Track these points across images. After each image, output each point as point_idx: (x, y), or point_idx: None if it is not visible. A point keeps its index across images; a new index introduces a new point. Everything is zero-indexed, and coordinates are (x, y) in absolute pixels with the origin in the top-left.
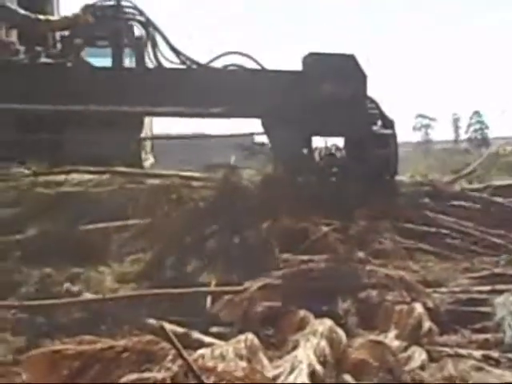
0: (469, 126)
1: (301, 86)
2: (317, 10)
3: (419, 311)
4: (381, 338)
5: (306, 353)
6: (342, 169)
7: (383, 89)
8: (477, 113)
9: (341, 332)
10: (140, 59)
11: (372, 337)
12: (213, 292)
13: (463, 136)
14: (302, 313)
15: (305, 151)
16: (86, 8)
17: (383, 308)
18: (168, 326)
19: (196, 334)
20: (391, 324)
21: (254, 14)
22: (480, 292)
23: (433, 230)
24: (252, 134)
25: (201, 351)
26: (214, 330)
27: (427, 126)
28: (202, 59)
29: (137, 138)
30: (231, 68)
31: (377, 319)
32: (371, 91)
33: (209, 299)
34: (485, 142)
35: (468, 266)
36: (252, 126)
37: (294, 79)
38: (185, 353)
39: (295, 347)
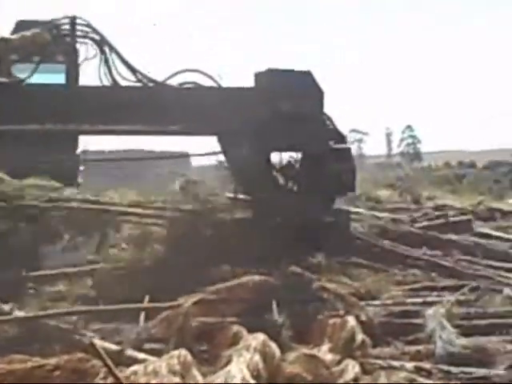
0: (401, 140)
1: (257, 102)
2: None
3: (352, 324)
4: (314, 351)
5: (239, 367)
6: (300, 183)
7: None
8: (409, 127)
9: (274, 346)
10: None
11: (306, 350)
12: (147, 308)
13: (396, 150)
14: (236, 328)
15: (263, 167)
16: (44, 26)
17: (317, 321)
18: (99, 343)
19: (129, 351)
20: (325, 337)
21: (254, 14)
22: (413, 304)
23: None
24: (188, 156)
25: (134, 368)
26: (148, 346)
27: (360, 141)
28: (162, 76)
29: (73, 155)
30: (187, 86)
31: (311, 333)
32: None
33: (142, 316)
34: (417, 156)
35: (400, 278)
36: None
37: (250, 96)
38: (116, 370)
39: (228, 362)
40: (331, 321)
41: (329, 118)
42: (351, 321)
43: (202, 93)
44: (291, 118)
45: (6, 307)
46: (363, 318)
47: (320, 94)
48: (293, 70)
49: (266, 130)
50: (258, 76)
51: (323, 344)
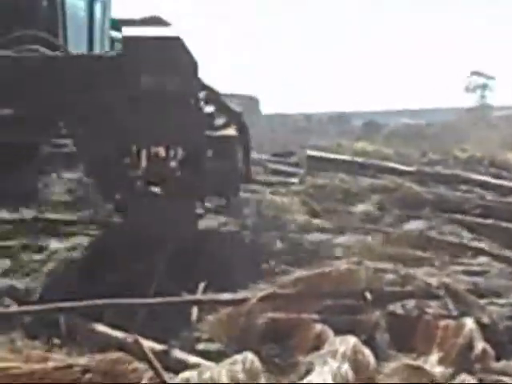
0: None
1: (114, 77)
2: None
3: (470, 328)
4: (419, 361)
5: (323, 378)
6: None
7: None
8: None
9: (368, 353)
10: None
11: (408, 360)
12: (201, 302)
13: None
14: (319, 327)
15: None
16: None
17: (423, 323)
18: (144, 342)
19: (178, 352)
20: (433, 344)
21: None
22: None
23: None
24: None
25: (185, 374)
26: (201, 347)
27: (484, 87)
28: None
29: None
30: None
31: (414, 337)
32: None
33: (195, 310)
34: None
35: None
36: None
37: (106, 69)
38: (164, 375)
39: (309, 371)
40: (442, 323)
41: (211, 93)
42: (469, 324)
43: (39, 63)
44: (153, 100)
45: None
46: (485, 320)
47: (192, 65)
48: (155, 37)
49: (118, 117)
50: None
51: (431, 353)
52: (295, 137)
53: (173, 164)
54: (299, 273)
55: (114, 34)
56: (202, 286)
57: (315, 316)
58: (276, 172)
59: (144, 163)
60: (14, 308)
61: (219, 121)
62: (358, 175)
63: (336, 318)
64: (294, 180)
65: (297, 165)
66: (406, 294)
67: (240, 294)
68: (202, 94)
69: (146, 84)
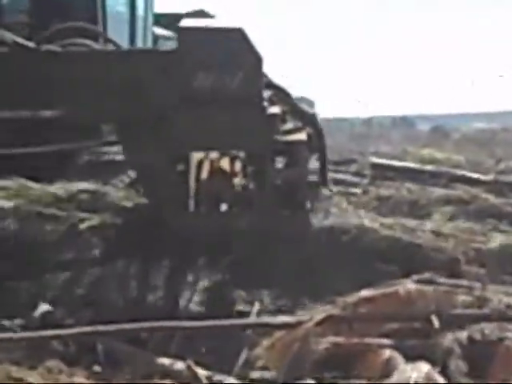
0: None
1: (170, 75)
2: None
3: None
4: None
5: None
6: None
7: None
8: None
9: (442, 380)
10: None
11: None
12: (252, 326)
13: None
14: (387, 353)
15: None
16: None
17: (502, 348)
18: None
19: (231, 380)
20: None
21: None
22: None
23: None
24: None
25: None
26: (255, 375)
27: None
28: None
29: None
30: (70, 47)
31: (493, 365)
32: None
33: (248, 334)
34: None
35: None
36: None
37: (162, 65)
38: None
39: None
40: None
41: (281, 92)
42: None
43: (89, 58)
44: (210, 100)
45: None
46: None
47: (257, 61)
48: (213, 28)
49: (174, 120)
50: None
51: None
52: (354, 143)
53: (237, 179)
54: (363, 292)
55: (158, 30)
56: (255, 307)
57: (382, 340)
58: (335, 182)
59: (205, 175)
60: (48, 331)
61: (289, 125)
62: (426, 185)
63: (405, 342)
64: (356, 190)
65: (358, 174)
66: (482, 316)
67: (295, 317)
68: (266, 93)
69: (203, 82)
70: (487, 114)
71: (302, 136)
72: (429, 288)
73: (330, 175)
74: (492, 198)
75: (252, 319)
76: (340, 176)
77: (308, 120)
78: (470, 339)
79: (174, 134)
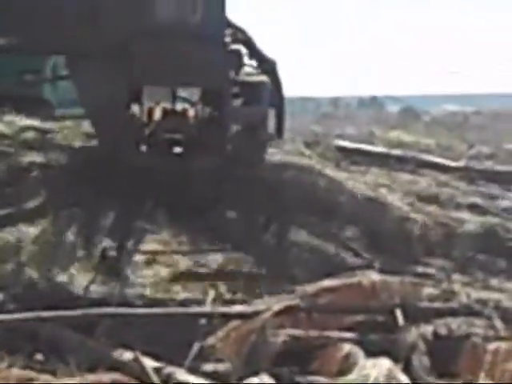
0: None
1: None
2: None
3: None
4: None
5: None
6: (189, 140)
7: None
8: None
9: (404, 378)
10: None
11: None
12: (208, 315)
13: None
14: (347, 347)
15: (132, 109)
16: None
17: (468, 345)
18: (145, 360)
19: (182, 373)
20: (480, 370)
21: None
22: None
23: None
24: None
25: None
26: (209, 367)
27: None
28: None
29: None
30: None
31: (459, 362)
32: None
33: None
34: None
35: None
36: None
37: None
38: None
39: None
40: (491, 346)
41: (240, 33)
42: None
43: None
44: (171, 33)
45: None
46: None
47: None
48: None
49: (132, 53)
50: None
51: (478, 379)
52: (319, 124)
53: (192, 120)
54: (324, 282)
55: None
56: (210, 295)
57: (343, 334)
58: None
59: (158, 117)
60: None
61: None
62: (394, 170)
63: (367, 336)
64: None
65: (323, 156)
66: (448, 310)
67: (253, 307)
68: (229, 32)
69: (162, 16)
70: (460, 96)
71: (262, 78)
72: (394, 279)
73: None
74: (463, 185)
75: (207, 308)
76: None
77: (267, 66)
78: (436, 334)
79: (131, 68)
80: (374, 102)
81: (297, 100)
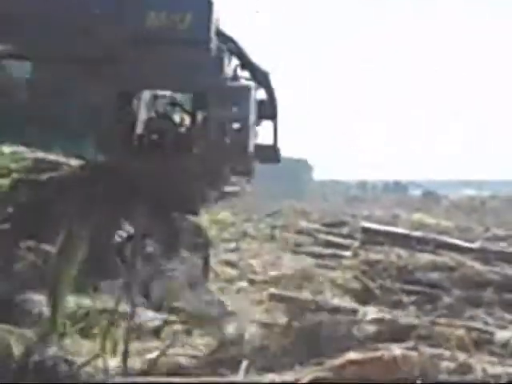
0: None
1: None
2: None
3: None
4: None
5: None
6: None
7: None
8: None
9: None
10: None
11: None
12: None
13: None
14: None
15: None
16: None
17: None
18: None
19: None
20: None
21: None
22: None
23: None
24: None
25: None
26: None
27: None
28: None
29: None
30: None
31: None
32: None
33: None
34: None
35: None
36: None
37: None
38: None
39: None
40: None
41: (230, 41)
42: None
43: None
44: (159, 40)
45: None
46: None
47: (207, 4)
48: None
49: (122, 58)
50: None
51: None
52: (349, 206)
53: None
54: (350, 355)
55: None
56: (244, 365)
57: None
58: (327, 243)
59: (143, 117)
60: None
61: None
62: (415, 250)
63: None
64: (347, 253)
65: (349, 236)
66: (466, 383)
67: (281, 377)
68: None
69: (153, 22)
70: (477, 181)
71: (247, 83)
72: (413, 353)
73: (322, 236)
74: (477, 266)
75: (240, 378)
76: (332, 238)
77: (261, 78)
78: None
79: (121, 72)
80: (398, 186)
81: (328, 182)
